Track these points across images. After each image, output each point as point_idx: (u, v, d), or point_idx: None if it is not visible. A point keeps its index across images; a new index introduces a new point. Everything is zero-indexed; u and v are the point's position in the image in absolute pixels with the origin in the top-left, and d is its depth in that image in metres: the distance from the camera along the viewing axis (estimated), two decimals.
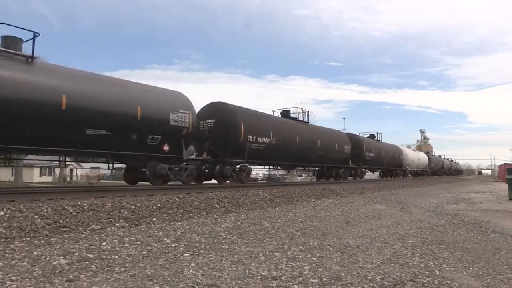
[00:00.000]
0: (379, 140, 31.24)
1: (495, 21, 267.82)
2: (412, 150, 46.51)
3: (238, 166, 14.92)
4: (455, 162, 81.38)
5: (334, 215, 8.51)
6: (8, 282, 3.28)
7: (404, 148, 38.90)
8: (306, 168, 25.97)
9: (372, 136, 30.90)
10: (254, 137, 14.74)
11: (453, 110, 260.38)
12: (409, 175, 40.01)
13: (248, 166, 15.82)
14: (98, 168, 47.57)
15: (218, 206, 8.61)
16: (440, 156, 65.13)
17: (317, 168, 23.08)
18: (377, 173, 37.60)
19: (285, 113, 19.02)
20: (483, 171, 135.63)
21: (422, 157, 45.57)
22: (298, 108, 20.03)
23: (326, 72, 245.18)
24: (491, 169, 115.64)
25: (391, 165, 32.55)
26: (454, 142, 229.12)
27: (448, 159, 72.14)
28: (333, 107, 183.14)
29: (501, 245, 5.51)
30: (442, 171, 60.90)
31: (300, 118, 19.63)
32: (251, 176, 18.67)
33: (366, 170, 29.06)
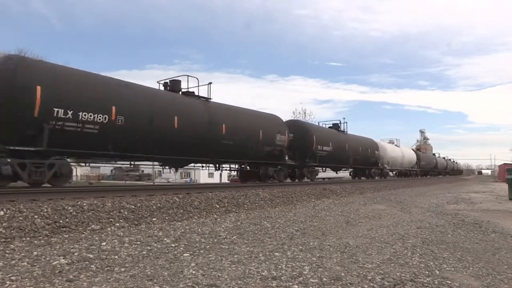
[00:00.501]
0: (343, 131, 23.82)
1: (495, 21, 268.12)
2: (395, 145, 36.97)
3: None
4: (454, 162, 77.30)
5: (334, 215, 8.51)
6: (8, 282, 3.27)
7: (383, 142, 32.11)
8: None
9: (335, 126, 23.82)
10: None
11: (453, 110, 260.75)
12: (391, 175, 34.37)
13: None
14: (98, 167, 47.62)
15: (218, 206, 8.61)
16: (434, 154, 61.09)
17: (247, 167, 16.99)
18: (347, 173, 30.61)
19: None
20: (483, 171, 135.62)
21: (408, 154, 38.99)
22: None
23: (326, 72, 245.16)
24: (491, 169, 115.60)
25: (361, 163, 25.39)
26: (454, 142, 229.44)
27: (444, 157, 66.95)
28: (333, 107, 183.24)
29: (501, 245, 5.51)
30: (435, 170, 54.53)
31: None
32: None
33: (320, 169, 22.00)
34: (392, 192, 17.40)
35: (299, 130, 18.57)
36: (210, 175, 47.26)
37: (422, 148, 68.49)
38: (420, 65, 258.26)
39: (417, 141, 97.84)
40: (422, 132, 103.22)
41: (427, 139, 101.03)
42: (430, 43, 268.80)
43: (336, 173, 27.53)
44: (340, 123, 24.04)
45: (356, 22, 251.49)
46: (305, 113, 51.38)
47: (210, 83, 13.80)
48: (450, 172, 67.81)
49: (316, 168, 20.58)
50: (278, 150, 16.30)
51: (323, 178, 32.35)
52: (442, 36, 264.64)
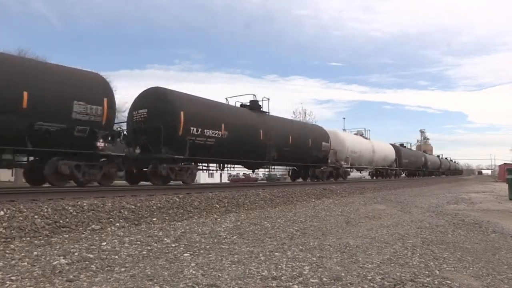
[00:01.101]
0: (266, 112, 16.54)
1: (495, 21, 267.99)
2: (364, 137, 28.17)
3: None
4: (450, 161, 71.85)
5: (334, 215, 8.51)
6: (8, 282, 3.28)
7: (340, 132, 24.51)
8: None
9: (254, 104, 16.24)
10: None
11: (453, 110, 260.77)
12: (349, 173, 25.44)
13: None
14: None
15: (218, 206, 8.61)
16: (425, 152, 56.23)
17: None
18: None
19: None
20: (483, 171, 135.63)
21: (382, 149, 30.11)
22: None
23: (326, 72, 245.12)
24: (491, 169, 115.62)
25: (299, 159, 18.51)
26: (454, 142, 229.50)
27: (439, 156, 61.33)
28: (334, 107, 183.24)
29: (501, 245, 5.51)
30: (424, 170, 46.68)
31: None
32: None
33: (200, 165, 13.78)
34: (392, 192, 17.41)
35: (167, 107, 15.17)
36: (210, 175, 47.19)
37: (422, 148, 68.30)
38: (420, 65, 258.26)
39: (417, 141, 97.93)
40: (422, 132, 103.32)
41: (427, 139, 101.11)
42: (430, 43, 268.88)
43: (253, 172, 19.31)
44: (264, 100, 16.88)
45: (356, 22, 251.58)
46: (305, 113, 51.46)
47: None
48: (444, 172, 62.96)
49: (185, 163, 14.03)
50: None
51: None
52: (442, 36, 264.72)
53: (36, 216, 5.55)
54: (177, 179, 12.07)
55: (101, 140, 9.54)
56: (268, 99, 17.05)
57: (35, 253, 4.28)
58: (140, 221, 6.55)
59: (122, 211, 6.67)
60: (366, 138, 28.32)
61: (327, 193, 13.69)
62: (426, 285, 3.43)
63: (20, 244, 4.72)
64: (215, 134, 12.88)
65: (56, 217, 5.73)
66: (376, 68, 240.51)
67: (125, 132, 11.47)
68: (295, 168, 20.62)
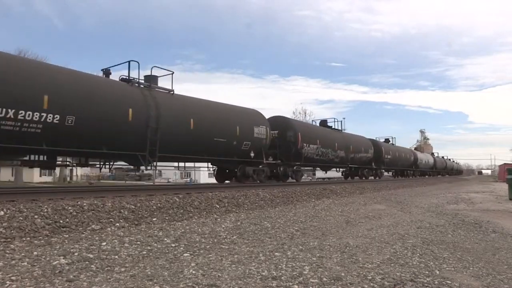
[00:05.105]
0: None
1: (497, 21, 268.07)
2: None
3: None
4: (448, 160, 66.42)
5: (334, 215, 8.51)
6: (8, 282, 3.27)
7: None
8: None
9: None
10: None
11: (454, 110, 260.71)
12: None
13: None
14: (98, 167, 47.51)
15: (218, 206, 8.61)
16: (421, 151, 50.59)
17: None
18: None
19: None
20: (483, 171, 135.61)
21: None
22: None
23: (327, 73, 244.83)
24: (491, 169, 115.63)
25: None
26: (454, 142, 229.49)
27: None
28: (334, 107, 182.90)
29: (501, 245, 5.51)
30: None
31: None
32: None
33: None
34: (392, 192, 17.40)
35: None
36: (210, 175, 47.26)
37: (422, 148, 68.01)
38: (422, 65, 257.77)
39: (417, 141, 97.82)
40: (422, 132, 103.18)
41: (427, 139, 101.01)
42: (431, 43, 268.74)
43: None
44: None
45: (358, 23, 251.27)
46: (305, 113, 51.48)
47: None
48: (442, 171, 57.73)
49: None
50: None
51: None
52: (444, 37, 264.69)
53: (36, 216, 5.55)
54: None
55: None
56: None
57: (35, 253, 4.28)
58: (140, 221, 6.55)
59: (122, 211, 6.67)
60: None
61: (327, 193, 13.69)
62: (426, 285, 3.43)
63: (20, 244, 4.71)
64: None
65: (56, 217, 5.73)
66: (377, 68, 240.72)
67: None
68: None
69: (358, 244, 5.19)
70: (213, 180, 15.73)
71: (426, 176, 46.06)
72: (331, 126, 22.42)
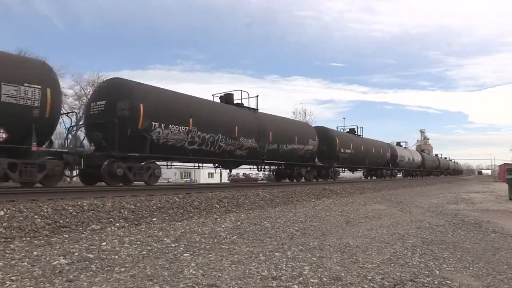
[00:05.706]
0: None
1: (497, 22, 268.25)
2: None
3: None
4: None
5: (334, 215, 8.51)
6: (8, 282, 3.28)
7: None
8: None
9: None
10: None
11: (454, 110, 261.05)
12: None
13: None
14: None
15: (218, 206, 8.61)
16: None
17: None
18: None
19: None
20: (483, 171, 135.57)
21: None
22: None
23: (327, 73, 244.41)
24: (491, 169, 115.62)
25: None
26: (454, 142, 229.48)
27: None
28: (334, 107, 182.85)
29: (501, 245, 5.51)
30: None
31: None
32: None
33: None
34: (392, 192, 17.41)
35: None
36: (210, 175, 47.22)
37: (422, 148, 67.82)
38: (422, 65, 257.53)
39: (417, 141, 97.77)
40: (422, 132, 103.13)
41: (427, 139, 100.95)
42: (431, 43, 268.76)
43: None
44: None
45: (358, 23, 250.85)
46: (305, 113, 51.48)
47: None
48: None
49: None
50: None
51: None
52: (444, 37, 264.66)
53: (36, 216, 5.55)
54: None
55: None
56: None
57: (35, 253, 4.28)
58: (140, 221, 6.55)
59: (122, 211, 6.67)
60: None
61: (327, 193, 13.69)
62: (426, 285, 3.43)
63: (20, 244, 4.71)
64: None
65: (56, 217, 5.73)
66: (377, 68, 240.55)
67: None
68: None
69: (358, 244, 5.19)
70: (212, 180, 16.31)
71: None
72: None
